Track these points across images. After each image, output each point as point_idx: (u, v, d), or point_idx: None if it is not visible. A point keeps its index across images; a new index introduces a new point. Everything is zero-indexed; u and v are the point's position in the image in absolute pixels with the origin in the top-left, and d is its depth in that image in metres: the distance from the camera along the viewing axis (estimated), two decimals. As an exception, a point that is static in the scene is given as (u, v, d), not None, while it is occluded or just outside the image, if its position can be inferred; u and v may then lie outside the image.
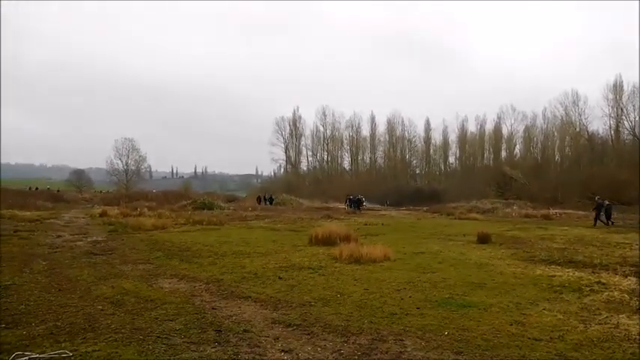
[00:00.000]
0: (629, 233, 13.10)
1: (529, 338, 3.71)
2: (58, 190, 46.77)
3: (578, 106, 49.09)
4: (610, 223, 16.47)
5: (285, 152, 61.64)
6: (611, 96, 46.17)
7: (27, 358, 3.07)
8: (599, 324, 4.15)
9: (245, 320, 4.17)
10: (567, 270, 6.92)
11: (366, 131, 62.43)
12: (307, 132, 62.02)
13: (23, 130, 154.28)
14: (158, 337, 3.62)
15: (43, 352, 3.17)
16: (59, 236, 11.33)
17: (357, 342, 3.61)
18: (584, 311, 4.59)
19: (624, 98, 45.39)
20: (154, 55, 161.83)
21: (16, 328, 3.77)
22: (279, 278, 6.13)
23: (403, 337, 3.75)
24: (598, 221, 16.57)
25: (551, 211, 25.33)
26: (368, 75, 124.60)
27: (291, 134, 61.33)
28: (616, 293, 5.33)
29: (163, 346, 3.41)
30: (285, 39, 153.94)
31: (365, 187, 42.25)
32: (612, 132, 47.70)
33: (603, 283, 5.86)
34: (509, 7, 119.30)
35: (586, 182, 35.65)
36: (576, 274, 6.60)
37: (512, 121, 57.35)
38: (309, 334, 3.79)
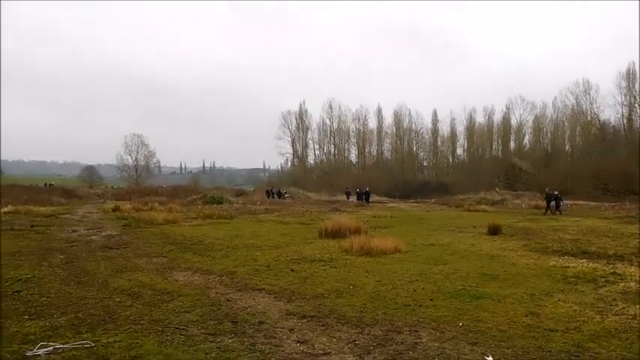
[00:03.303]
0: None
1: (545, 329, 3.69)
2: (90, 186, 47.79)
3: (589, 94, 48.10)
4: (558, 212, 17.77)
5: (292, 146, 61.73)
6: (624, 84, 45.16)
7: (51, 348, 3.16)
8: (616, 315, 4.12)
9: (260, 312, 4.22)
10: (581, 261, 6.85)
11: (372, 124, 62.12)
12: (314, 125, 61.95)
13: (36, 128, 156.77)
14: (176, 328, 3.69)
15: (66, 343, 3.26)
16: (74, 231, 11.56)
17: (372, 333, 3.64)
18: (600, 302, 4.55)
19: (637, 86, 44.34)
20: (163, 51, 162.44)
21: (38, 320, 3.88)
22: (292, 270, 6.19)
23: (418, 328, 3.76)
24: (548, 210, 18.04)
25: (562, 202, 24.95)
26: (375, 68, 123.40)
27: (297, 128, 61.28)
28: (632, 284, 5.26)
29: (182, 337, 3.48)
30: (291, 33, 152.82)
31: (372, 180, 42.11)
32: (625, 120, 46.69)
33: (619, 274, 5.79)
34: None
35: (598, 172, 35.04)
36: (591, 264, 6.54)
37: (522, 112, 56.44)
38: (323, 326, 3.83)
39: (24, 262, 6.68)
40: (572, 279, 5.61)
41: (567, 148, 52.43)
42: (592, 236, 10.04)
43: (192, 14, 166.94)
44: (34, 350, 3.11)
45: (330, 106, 61.43)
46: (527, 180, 41.96)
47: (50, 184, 45.71)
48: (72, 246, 8.66)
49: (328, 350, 3.27)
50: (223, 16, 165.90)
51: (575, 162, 45.64)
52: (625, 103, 45.72)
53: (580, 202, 26.22)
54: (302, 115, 61.04)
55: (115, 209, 18.89)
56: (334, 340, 3.49)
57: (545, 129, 55.13)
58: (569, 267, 6.37)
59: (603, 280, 5.53)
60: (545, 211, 18.07)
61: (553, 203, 18.06)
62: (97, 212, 19.14)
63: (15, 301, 4.48)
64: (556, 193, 18.50)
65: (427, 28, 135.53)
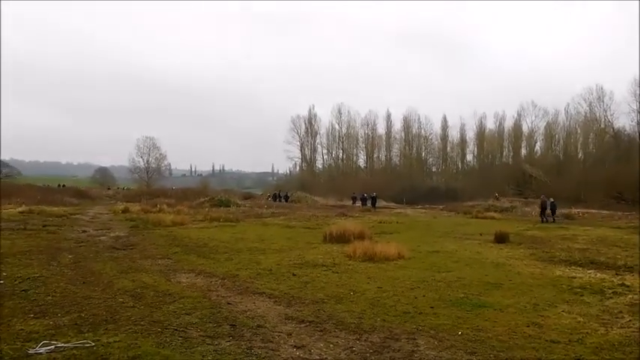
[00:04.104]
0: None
1: (546, 340, 3.63)
2: (109, 188, 48.56)
3: (603, 101, 47.20)
4: (553, 219, 18.29)
5: (301, 150, 61.85)
6: (638, 91, 44.17)
7: (53, 346, 3.23)
8: (622, 327, 4.02)
9: (259, 316, 4.25)
10: (589, 271, 6.72)
11: (381, 129, 61.91)
12: (322, 130, 62.01)
13: (51, 130, 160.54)
14: (175, 329, 3.74)
15: (67, 342, 3.33)
16: (84, 231, 11.78)
17: (370, 340, 3.63)
18: (605, 314, 4.46)
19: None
20: (175, 53, 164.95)
21: (43, 318, 3.98)
22: (293, 275, 6.20)
23: (416, 336, 3.74)
24: (544, 218, 18.34)
25: (574, 210, 24.47)
26: (384, 73, 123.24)
27: (306, 132, 61.42)
28: (641, 296, 5.14)
29: (180, 339, 3.52)
30: (301, 37, 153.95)
31: (380, 185, 41.94)
32: (640, 128, 45.58)
33: (627, 286, 5.66)
34: (529, 2, 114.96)
35: (611, 180, 34.23)
36: (598, 275, 6.40)
37: (533, 118, 55.62)
38: (321, 331, 3.84)
39: (34, 261, 6.85)
40: (579, 289, 5.50)
41: (580, 155, 51.44)
42: (602, 246, 9.82)
43: (206, 18, 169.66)
44: (37, 348, 3.19)
45: (340, 111, 61.55)
46: (537, 187, 41.17)
47: (62, 185, 46.68)
48: (81, 246, 8.83)
49: (325, 356, 3.27)
50: (236, 19, 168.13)
51: (588, 170, 44.71)
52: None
53: (592, 210, 25.64)
54: (311, 120, 61.25)
55: (125, 211, 19.19)
56: (331, 345, 3.49)
57: (557, 136, 54.29)
58: (575, 277, 6.24)
59: (611, 291, 5.41)
60: (541, 219, 18.25)
61: (549, 211, 18.41)
62: (107, 213, 19.46)
63: (22, 300, 4.59)
64: (551, 200, 19.10)
65: (439, 34, 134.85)
